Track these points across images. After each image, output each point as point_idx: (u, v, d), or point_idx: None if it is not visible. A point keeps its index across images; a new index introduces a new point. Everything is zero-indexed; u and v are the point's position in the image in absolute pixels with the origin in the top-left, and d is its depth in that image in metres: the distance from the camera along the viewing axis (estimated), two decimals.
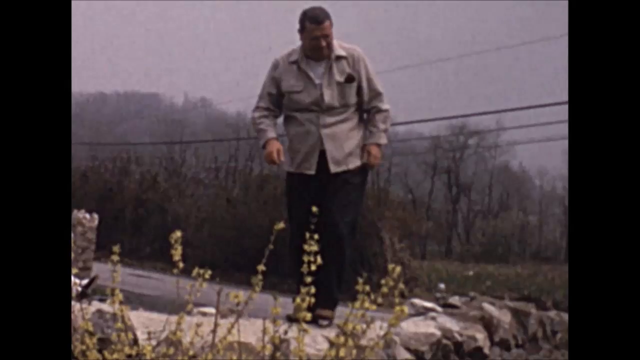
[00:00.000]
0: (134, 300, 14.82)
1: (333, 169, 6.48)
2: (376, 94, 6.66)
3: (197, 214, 43.87)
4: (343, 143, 6.52)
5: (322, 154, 6.51)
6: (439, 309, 7.20)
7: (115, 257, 4.70)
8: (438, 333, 6.65)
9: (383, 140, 6.70)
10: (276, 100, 6.71)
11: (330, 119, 6.49)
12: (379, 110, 6.67)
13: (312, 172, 6.53)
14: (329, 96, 6.46)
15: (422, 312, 7.13)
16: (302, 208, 6.46)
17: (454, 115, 64.70)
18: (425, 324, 6.84)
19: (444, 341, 6.64)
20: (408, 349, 6.43)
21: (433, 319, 6.91)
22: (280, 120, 6.87)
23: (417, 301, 7.30)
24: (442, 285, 32.80)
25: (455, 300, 7.55)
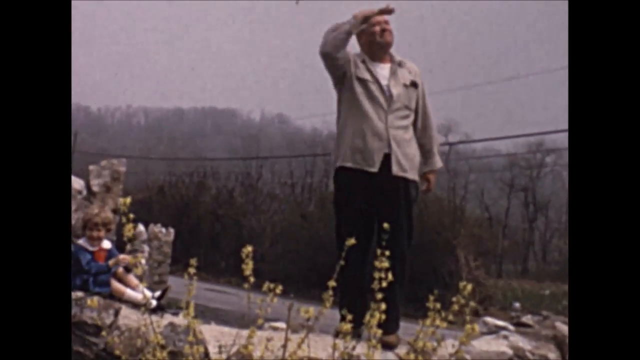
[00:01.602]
0: (209, 314, 14.94)
1: (396, 170, 6.28)
2: (427, 112, 6.60)
3: (272, 229, 44.07)
4: (406, 149, 6.38)
5: (385, 156, 6.33)
6: (511, 327, 7.11)
7: (192, 270, 4.71)
8: (510, 352, 6.56)
9: (439, 165, 6.67)
10: (345, 56, 6.43)
11: (397, 122, 6.36)
12: (433, 131, 6.62)
13: (375, 169, 6.29)
14: (397, 96, 6.37)
15: (495, 330, 7.04)
16: (355, 211, 6.35)
17: (531, 133, 64.03)
18: (497, 343, 6.76)
19: None
20: None
21: (505, 337, 6.82)
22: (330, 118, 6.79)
23: (489, 319, 7.21)
24: (517, 304, 32.39)
25: (528, 319, 7.44)
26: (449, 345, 4.70)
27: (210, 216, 46.02)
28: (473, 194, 66.76)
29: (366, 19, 6.33)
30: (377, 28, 6.45)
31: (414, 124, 6.55)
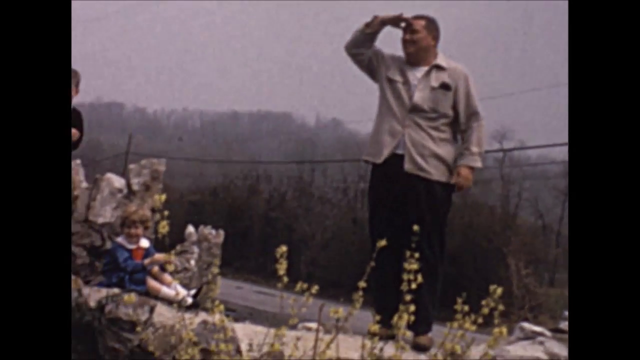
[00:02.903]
0: (257, 316, 15.00)
1: (407, 166, 6.41)
2: (473, 113, 6.60)
3: (324, 233, 44.06)
4: (427, 148, 6.46)
5: (402, 157, 6.49)
6: (548, 333, 7.05)
7: (215, 270, 4.78)
8: (545, 357, 6.50)
9: (475, 163, 6.60)
10: (369, 56, 6.76)
11: (418, 120, 6.49)
12: (474, 132, 6.59)
13: (379, 161, 6.54)
14: (420, 98, 6.50)
15: (531, 336, 7.00)
16: (381, 210, 6.56)
17: None
18: (532, 348, 6.71)
19: None
20: None
21: (541, 343, 6.77)
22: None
23: (526, 325, 7.15)
24: (567, 313, 31.96)
25: (565, 325, 7.38)
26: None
27: (261, 219, 46.21)
28: (527, 201, 66.22)
29: (384, 23, 6.58)
30: (405, 37, 6.64)
31: (455, 126, 6.60)
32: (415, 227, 4.68)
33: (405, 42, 6.65)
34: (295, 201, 48.67)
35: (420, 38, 6.58)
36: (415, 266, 4.41)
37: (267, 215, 46.44)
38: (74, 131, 7.21)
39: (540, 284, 38.27)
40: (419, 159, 6.42)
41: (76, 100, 7.80)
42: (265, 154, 70.32)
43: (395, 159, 6.46)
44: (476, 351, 4.53)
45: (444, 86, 6.52)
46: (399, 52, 6.78)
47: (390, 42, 6.76)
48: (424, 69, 6.61)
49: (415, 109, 6.49)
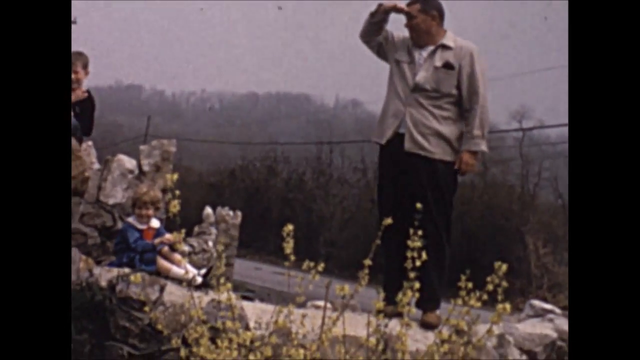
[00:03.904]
0: (275, 297, 15.07)
1: (407, 145, 6.48)
2: (474, 92, 6.59)
3: (342, 214, 44.10)
4: (428, 127, 6.50)
5: (403, 136, 6.57)
6: (558, 310, 7.08)
7: (220, 247, 4.83)
8: (554, 335, 6.54)
9: (477, 147, 6.59)
10: (380, 41, 6.87)
11: (420, 99, 6.55)
12: (476, 113, 6.57)
13: (383, 142, 6.64)
14: (423, 77, 6.56)
15: (541, 313, 7.03)
16: (387, 189, 6.64)
17: None
18: (542, 326, 6.75)
19: (559, 343, 6.53)
20: (521, 349, 6.37)
21: (550, 320, 6.80)
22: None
23: (536, 302, 7.19)
24: None
25: None
26: (496, 329, 4.73)
27: (280, 201, 46.28)
28: (546, 180, 65.96)
29: (386, 11, 6.66)
30: (405, 23, 6.77)
31: (460, 105, 6.61)
32: (418, 205, 4.70)
33: (407, 29, 6.76)
34: (313, 182, 48.70)
35: (418, 23, 6.66)
36: (418, 244, 4.44)
37: (285, 197, 46.49)
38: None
39: (559, 263, 38.22)
40: (419, 138, 6.46)
41: (95, 82, 7.93)
42: (283, 135, 70.32)
43: (398, 139, 6.52)
44: (484, 328, 4.56)
45: (447, 65, 6.55)
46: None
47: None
48: (430, 48, 6.66)
49: (417, 89, 6.54)
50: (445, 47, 6.63)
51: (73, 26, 39.97)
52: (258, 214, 42.09)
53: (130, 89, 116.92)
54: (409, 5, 6.68)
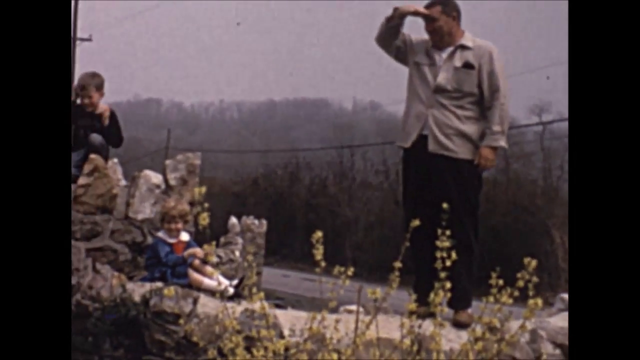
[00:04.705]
0: (306, 304, 15.07)
1: (432, 147, 6.53)
2: (495, 90, 6.62)
3: (367, 217, 44.06)
4: (451, 127, 6.55)
5: (427, 138, 6.60)
6: None
7: (250, 257, 4.89)
8: None
9: (496, 142, 6.63)
10: (397, 45, 6.87)
11: (442, 100, 6.59)
12: (496, 110, 6.60)
13: (407, 145, 6.68)
14: (444, 78, 6.60)
15: None
16: (412, 192, 6.71)
17: None
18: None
19: None
20: (554, 343, 6.38)
21: None
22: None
23: (566, 296, 7.19)
24: None
25: None
26: (528, 325, 4.75)
27: (304, 207, 46.25)
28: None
29: (403, 15, 6.66)
30: (427, 27, 6.76)
31: (481, 104, 6.65)
32: (445, 205, 4.75)
33: (428, 32, 6.75)
34: (336, 186, 48.65)
35: (441, 25, 6.67)
36: (447, 244, 4.48)
37: (309, 202, 46.48)
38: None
39: None
40: (443, 139, 6.50)
41: (113, 98, 8.03)
42: (304, 141, 70.39)
43: (422, 141, 6.57)
44: (517, 324, 4.58)
45: (467, 65, 6.59)
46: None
47: (418, 26, 6.87)
48: (450, 49, 6.70)
49: (439, 90, 6.58)
50: (464, 47, 6.67)
51: (89, 43, 40.23)
52: (283, 221, 42.12)
53: (149, 102, 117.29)
54: (429, 7, 6.69)
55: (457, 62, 6.62)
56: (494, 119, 6.60)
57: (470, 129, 6.58)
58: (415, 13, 6.67)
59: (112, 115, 7.95)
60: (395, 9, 6.63)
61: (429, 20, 6.66)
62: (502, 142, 6.63)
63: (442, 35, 6.68)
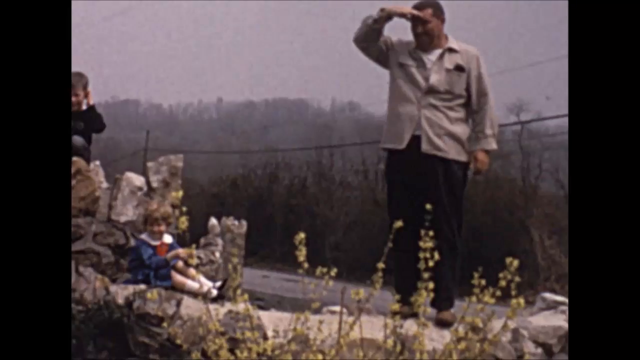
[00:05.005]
0: (286, 304, 15.05)
1: (425, 147, 6.56)
2: (483, 94, 6.75)
3: (346, 217, 44.08)
4: (443, 127, 6.60)
5: (419, 138, 6.61)
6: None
7: (234, 260, 4.92)
8: (567, 326, 6.61)
9: (490, 145, 6.76)
10: (380, 46, 6.86)
11: (433, 101, 6.62)
12: (486, 114, 6.73)
13: (402, 147, 6.64)
14: (436, 80, 6.64)
15: (553, 306, 7.10)
16: (400, 192, 6.70)
17: None
18: (555, 318, 6.82)
19: None
20: (536, 342, 6.44)
21: (563, 312, 6.87)
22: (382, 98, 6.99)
23: (547, 295, 7.27)
24: None
25: None
26: (511, 324, 4.79)
27: (283, 207, 46.23)
28: (548, 172, 65.83)
29: (390, 16, 6.65)
30: (413, 27, 6.77)
31: (468, 106, 6.73)
32: (428, 206, 4.80)
33: (418, 35, 6.76)
34: (316, 187, 48.68)
35: (432, 27, 6.72)
36: (430, 244, 4.53)
37: (288, 203, 46.44)
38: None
39: (565, 253, 38.22)
40: (435, 139, 6.56)
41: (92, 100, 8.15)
42: (283, 141, 70.30)
43: (413, 141, 6.60)
44: (499, 324, 4.62)
45: (459, 68, 6.68)
46: (405, 36, 6.90)
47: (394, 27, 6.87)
48: (437, 52, 6.76)
49: (431, 91, 6.63)
50: (451, 50, 6.75)
51: None
52: (262, 221, 42.05)
53: (127, 103, 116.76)
54: (420, 9, 6.71)
55: (448, 64, 6.69)
56: (486, 122, 6.74)
57: (459, 130, 6.67)
58: (407, 15, 6.68)
59: (89, 110, 8.10)
60: (382, 10, 6.64)
61: (421, 22, 6.68)
62: (494, 145, 6.76)
63: (432, 37, 6.72)
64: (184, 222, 4.66)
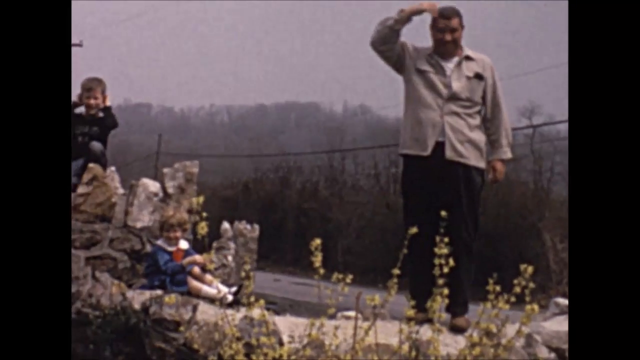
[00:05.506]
0: (297, 308, 15.05)
1: (450, 155, 6.57)
2: (497, 103, 6.81)
3: (358, 220, 44.03)
4: (466, 136, 6.64)
5: (442, 145, 6.61)
6: None
7: (247, 266, 4.94)
8: None
9: (507, 155, 6.85)
10: (398, 50, 6.83)
11: (455, 108, 6.65)
12: (501, 123, 6.82)
13: (427, 153, 6.62)
14: (458, 87, 6.67)
15: (566, 311, 7.10)
16: (419, 198, 6.67)
17: None
18: (567, 323, 6.82)
19: None
20: (549, 347, 6.45)
21: None
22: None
23: (560, 300, 7.27)
24: None
25: None
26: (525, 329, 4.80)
27: (295, 211, 46.23)
28: (559, 175, 65.64)
29: (410, 16, 6.64)
30: (440, 35, 6.75)
31: (483, 114, 6.78)
32: (443, 213, 4.81)
33: (445, 42, 6.74)
34: (327, 190, 48.68)
35: (459, 36, 6.78)
36: (445, 250, 4.55)
37: (300, 207, 46.44)
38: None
39: None
40: (458, 146, 6.60)
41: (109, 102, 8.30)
42: (294, 145, 70.27)
43: (436, 147, 6.61)
44: (512, 329, 4.64)
45: (478, 76, 6.74)
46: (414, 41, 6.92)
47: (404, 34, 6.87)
48: (455, 59, 6.79)
49: (453, 98, 6.65)
50: (468, 59, 6.80)
51: (80, 48, 40.17)
52: (274, 225, 42.09)
53: (139, 107, 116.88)
54: (450, 18, 6.72)
55: (468, 72, 6.72)
56: (501, 132, 6.84)
57: (477, 136, 6.72)
58: (434, 12, 6.69)
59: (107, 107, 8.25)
60: (402, 10, 6.64)
61: (450, 30, 6.70)
62: (510, 154, 6.87)
63: (456, 45, 6.76)
64: (203, 228, 4.68)
